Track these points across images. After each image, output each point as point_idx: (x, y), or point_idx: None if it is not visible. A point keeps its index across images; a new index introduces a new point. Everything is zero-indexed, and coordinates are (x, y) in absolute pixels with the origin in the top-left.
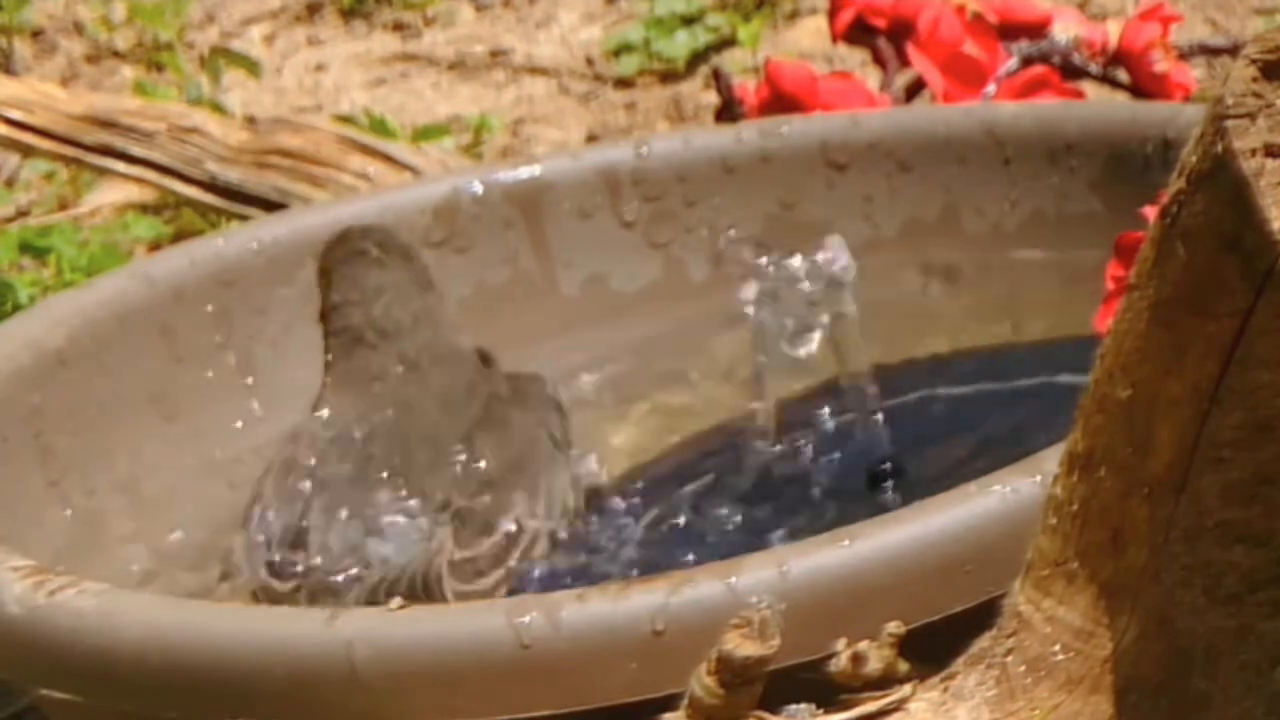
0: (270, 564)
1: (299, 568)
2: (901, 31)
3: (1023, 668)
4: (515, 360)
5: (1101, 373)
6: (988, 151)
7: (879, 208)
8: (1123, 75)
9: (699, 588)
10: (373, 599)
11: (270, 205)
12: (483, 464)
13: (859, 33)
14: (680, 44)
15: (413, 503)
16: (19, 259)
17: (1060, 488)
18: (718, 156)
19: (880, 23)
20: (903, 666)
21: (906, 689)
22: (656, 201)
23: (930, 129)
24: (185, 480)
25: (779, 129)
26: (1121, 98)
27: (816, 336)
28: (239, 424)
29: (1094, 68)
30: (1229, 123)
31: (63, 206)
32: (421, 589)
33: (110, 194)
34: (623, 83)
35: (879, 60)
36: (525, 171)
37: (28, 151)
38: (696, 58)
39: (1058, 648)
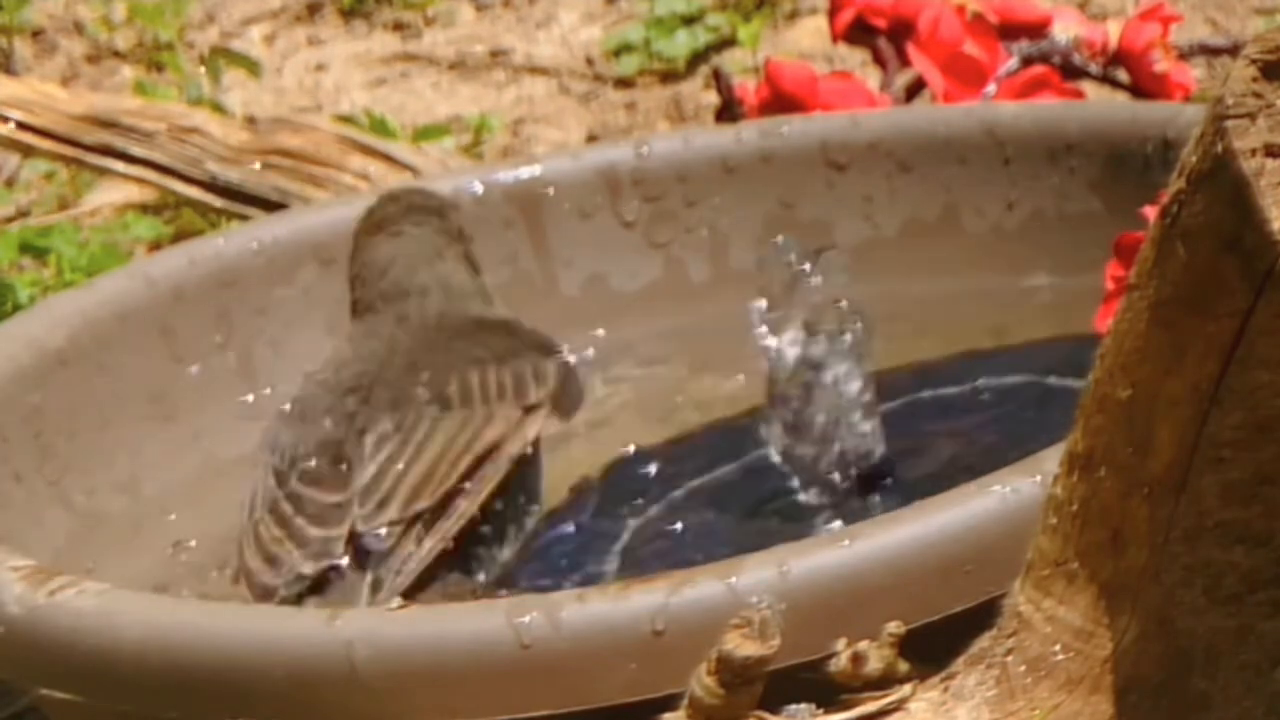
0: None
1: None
2: (901, 31)
3: (1023, 668)
4: None
5: (1101, 373)
6: (988, 151)
7: (879, 208)
8: (1123, 75)
9: (699, 588)
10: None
11: (270, 205)
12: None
13: (859, 33)
14: (680, 44)
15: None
16: (19, 259)
17: (1060, 488)
18: (718, 156)
19: (880, 23)
20: (903, 666)
21: (906, 689)
22: (656, 201)
23: (930, 129)
24: (185, 480)
25: (779, 129)
26: (1121, 98)
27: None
28: (239, 424)
29: (1094, 68)
30: (1229, 123)
31: (63, 206)
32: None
33: (110, 194)
34: (623, 83)
35: (879, 60)
36: (525, 171)
37: (28, 151)
38: (696, 58)
39: (1058, 648)
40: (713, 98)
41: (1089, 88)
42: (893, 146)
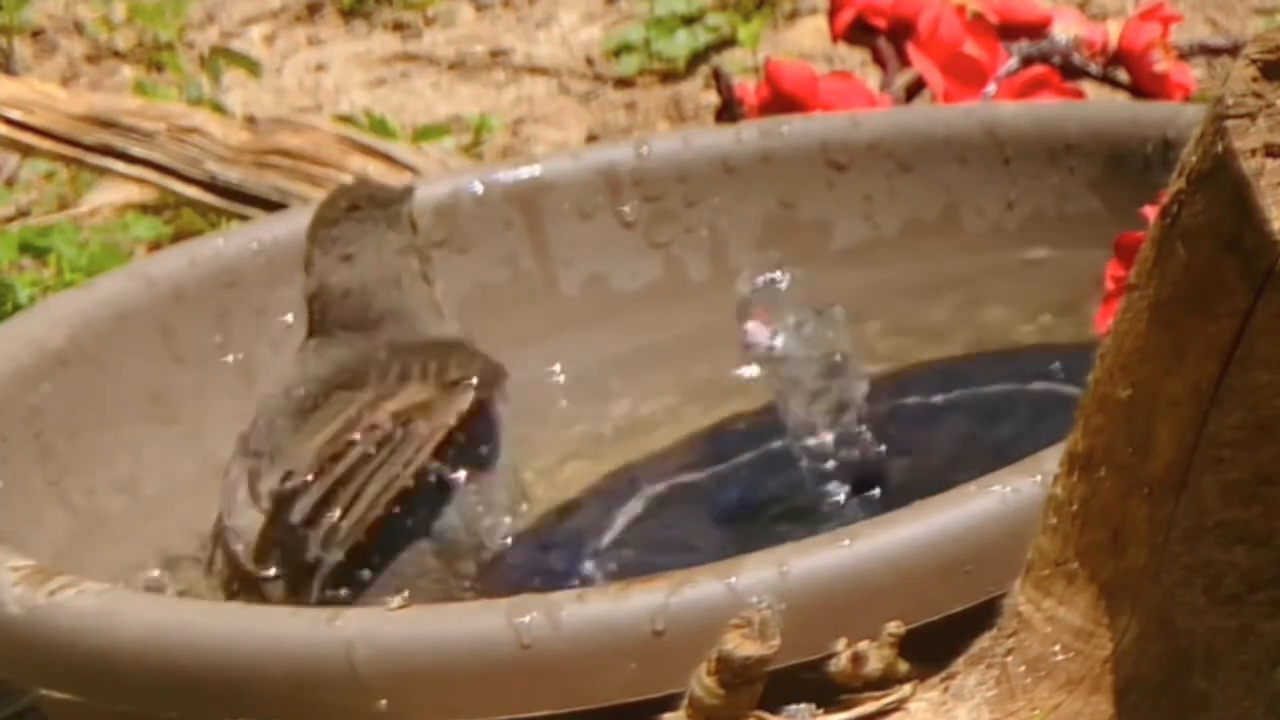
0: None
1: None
2: (901, 31)
3: (1023, 668)
4: (514, 360)
5: (1101, 373)
6: (988, 151)
7: (879, 208)
8: (1123, 75)
9: (699, 588)
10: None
11: (270, 205)
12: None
13: (859, 33)
14: (680, 44)
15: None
16: (19, 259)
17: (1060, 488)
18: (718, 156)
19: (880, 23)
20: (903, 666)
21: (906, 689)
22: (656, 201)
23: (930, 129)
24: (185, 480)
25: (779, 129)
26: (1121, 98)
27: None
28: (239, 424)
29: (1094, 68)
30: (1229, 123)
31: (63, 206)
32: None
33: (110, 194)
34: (623, 83)
35: (879, 60)
36: (525, 171)
37: (28, 151)
38: (696, 58)
39: (1058, 648)
40: (713, 98)
41: (1089, 88)
42: (893, 146)
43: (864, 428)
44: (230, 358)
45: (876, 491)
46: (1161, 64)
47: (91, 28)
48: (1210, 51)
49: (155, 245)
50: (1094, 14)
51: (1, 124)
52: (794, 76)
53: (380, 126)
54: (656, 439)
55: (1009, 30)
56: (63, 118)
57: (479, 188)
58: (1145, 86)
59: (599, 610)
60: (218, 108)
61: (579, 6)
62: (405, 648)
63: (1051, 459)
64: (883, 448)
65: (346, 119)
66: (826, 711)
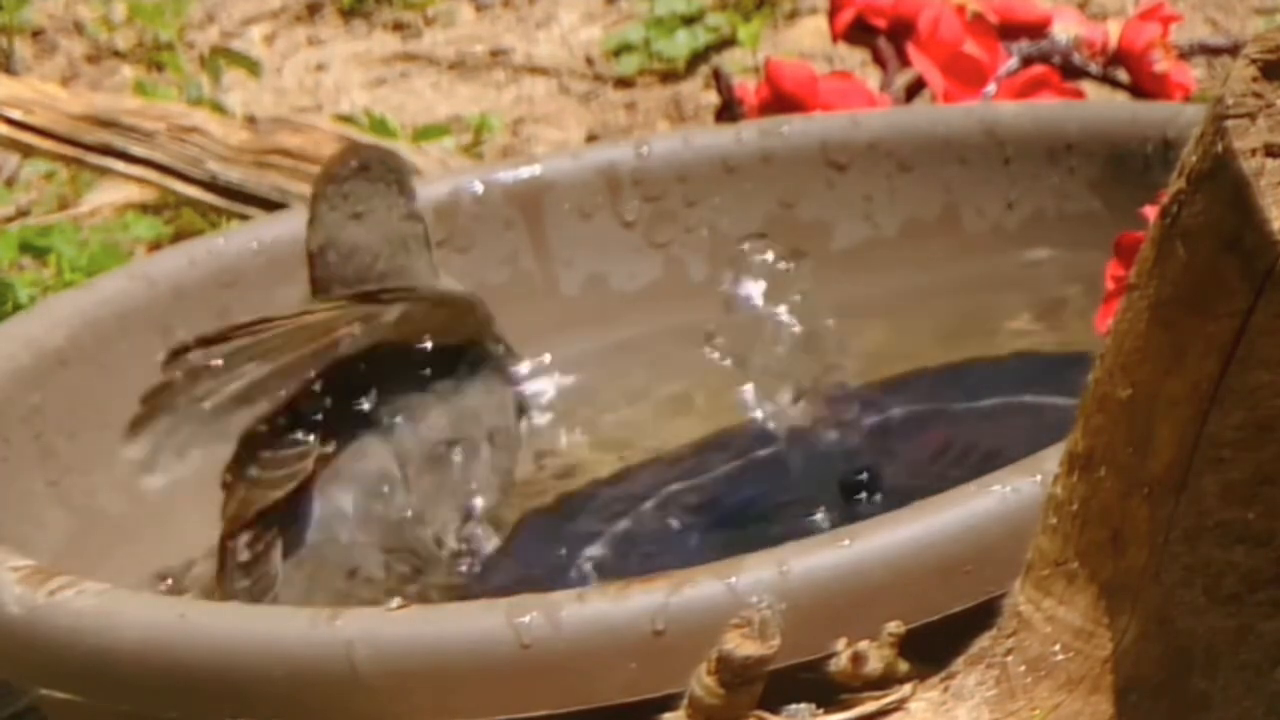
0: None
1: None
2: (901, 31)
3: (1023, 668)
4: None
5: (1101, 373)
6: (988, 151)
7: (879, 207)
8: (1123, 75)
9: (699, 588)
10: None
11: (270, 205)
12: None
13: (859, 33)
14: (680, 44)
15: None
16: (19, 259)
17: (1060, 488)
18: (718, 156)
19: (880, 23)
20: (903, 666)
21: (906, 689)
22: (656, 201)
23: (930, 129)
24: (185, 480)
25: (779, 129)
26: (1121, 98)
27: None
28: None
29: (1094, 68)
30: (1229, 123)
31: (63, 206)
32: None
33: (110, 194)
34: (623, 83)
35: (879, 60)
36: (525, 171)
37: (28, 151)
38: (696, 58)
39: (1058, 648)
40: (713, 98)
41: (1089, 88)
42: (893, 146)
43: (842, 435)
44: None
45: (860, 499)
46: (1161, 64)
47: (91, 28)
48: (1210, 51)
49: (155, 245)
50: (1094, 14)
51: (1, 124)
52: (794, 76)
53: (380, 126)
54: (656, 440)
55: (1009, 30)
56: (63, 118)
57: (479, 187)
58: (1145, 86)
59: (599, 610)
60: (218, 108)
61: (579, 6)
62: (405, 648)
63: (1051, 459)
64: (858, 457)
65: (346, 119)
66: (826, 711)
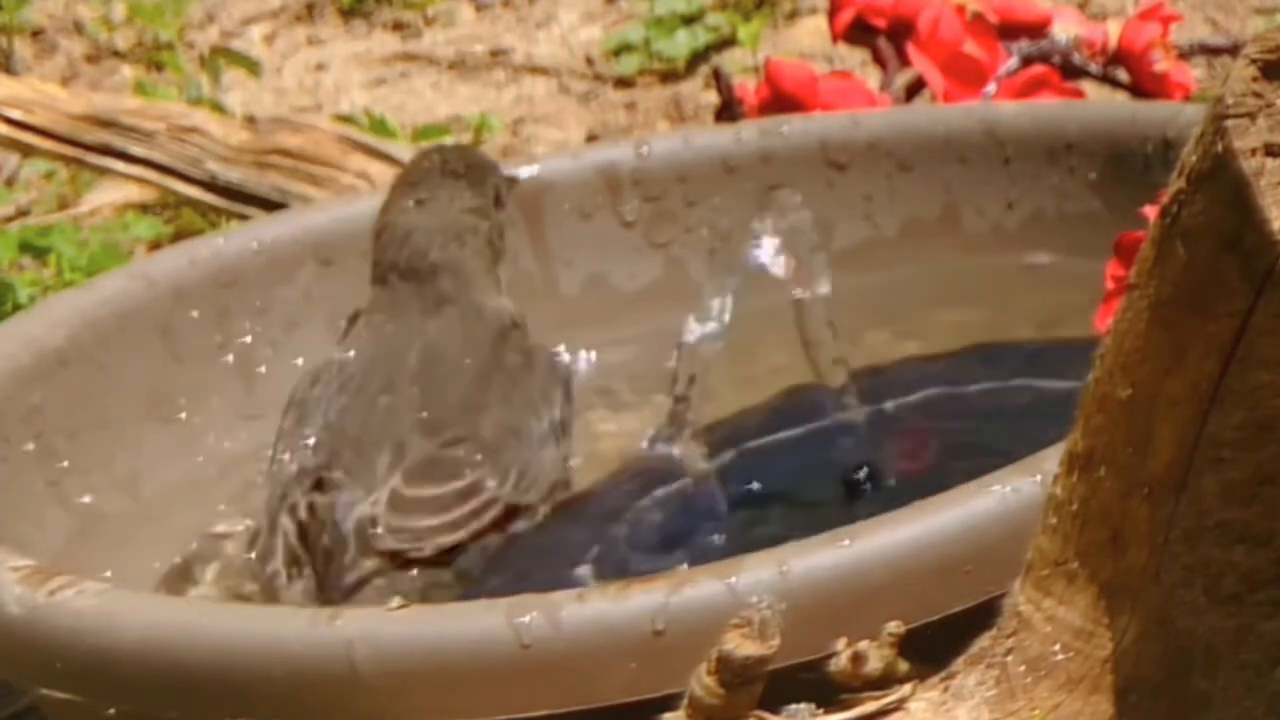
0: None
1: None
2: (901, 31)
3: (1023, 667)
4: None
5: (1101, 372)
6: (988, 151)
7: (879, 207)
8: (1123, 75)
9: (699, 588)
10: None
11: (270, 205)
12: (462, 421)
13: (859, 33)
14: (680, 44)
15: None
16: (19, 259)
17: (1060, 488)
18: (718, 156)
19: (880, 23)
20: (903, 666)
21: (906, 689)
22: (656, 201)
23: (930, 129)
24: (185, 480)
25: (779, 129)
26: (1121, 98)
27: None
28: (239, 424)
29: (1094, 68)
30: (1229, 123)
31: (63, 206)
32: (357, 526)
33: (110, 194)
34: (623, 83)
35: (879, 60)
36: (525, 171)
37: (28, 151)
38: (696, 58)
39: (1058, 647)
40: (713, 98)
41: (1089, 88)
42: (893, 146)
43: (843, 431)
44: (230, 357)
45: (852, 498)
46: (1161, 64)
47: (91, 28)
48: (1210, 51)
49: (155, 245)
50: (1094, 14)
51: (1, 124)
52: (794, 76)
53: (380, 126)
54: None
55: (1009, 30)
56: (63, 118)
57: None
58: (1145, 86)
59: (599, 610)
60: (218, 108)
61: (579, 6)
62: (405, 648)
63: (1051, 459)
64: (859, 453)
65: (346, 119)
66: (826, 711)
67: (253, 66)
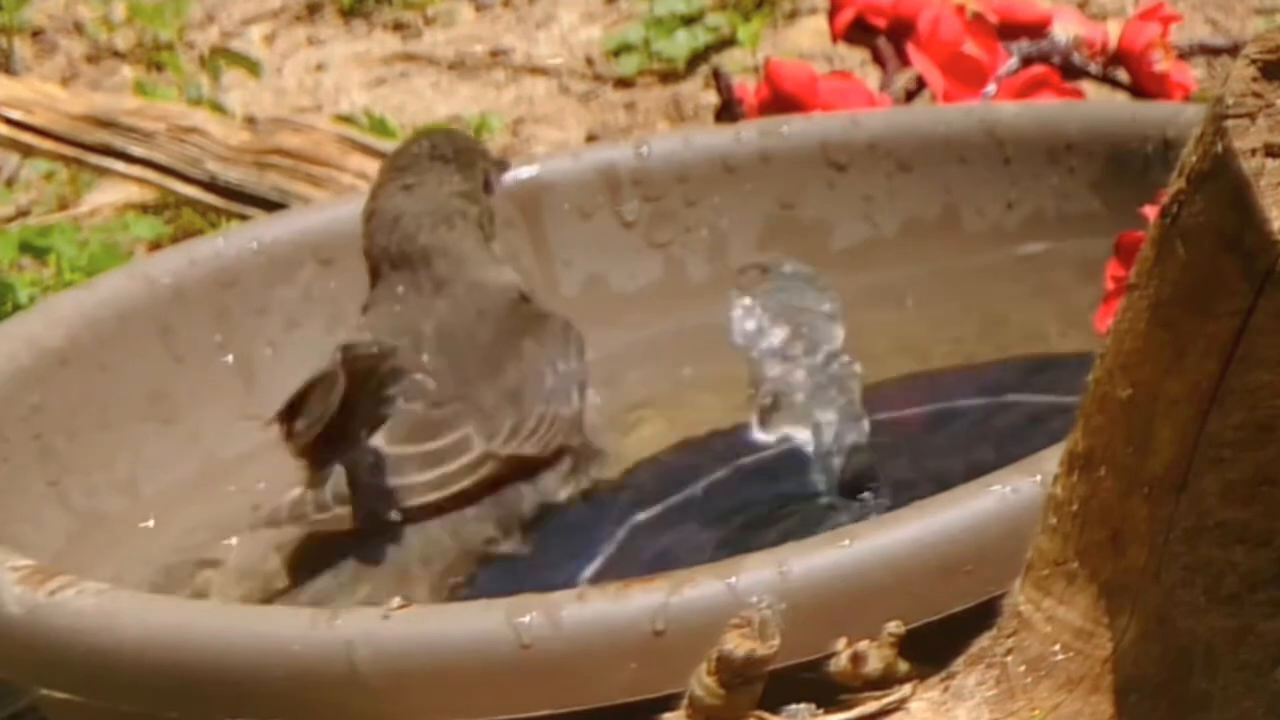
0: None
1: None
2: (901, 31)
3: (1023, 667)
4: None
5: (1101, 372)
6: (988, 151)
7: (879, 208)
8: (1123, 75)
9: (699, 588)
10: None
11: (270, 205)
12: (457, 380)
13: (859, 33)
14: (680, 44)
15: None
16: (19, 259)
17: (1060, 488)
18: (718, 156)
19: (880, 23)
20: (903, 666)
21: (906, 689)
22: (656, 201)
23: (930, 129)
24: (185, 480)
25: (779, 129)
26: (1121, 98)
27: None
28: (239, 424)
29: (1094, 68)
30: (1229, 123)
31: (63, 206)
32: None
33: (110, 194)
34: (623, 83)
35: (879, 60)
36: (525, 171)
37: (28, 151)
38: (696, 58)
39: (1058, 647)
40: (713, 98)
41: (1089, 88)
42: (893, 146)
43: (846, 433)
44: (230, 357)
45: (861, 497)
46: (1161, 64)
47: (91, 28)
48: (1210, 51)
49: (155, 245)
50: (1094, 14)
51: (1, 124)
52: (794, 76)
53: (380, 126)
54: (655, 440)
55: (1009, 30)
56: (63, 118)
57: None
58: (1145, 86)
59: (599, 610)
60: (218, 108)
61: (579, 6)
62: (405, 648)
63: (1051, 459)
64: (862, 456)
65: (346, 119)
66: (826, 711)
67: (253, 66)
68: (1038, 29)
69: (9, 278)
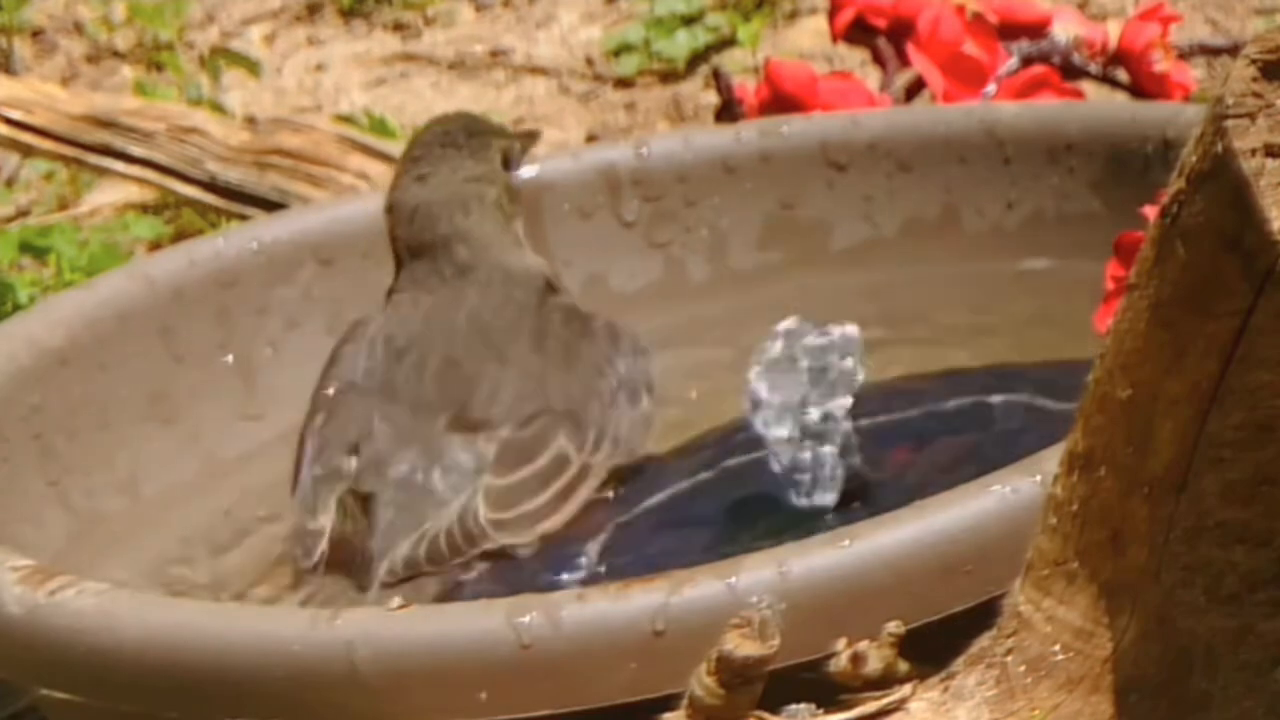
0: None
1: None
2: (901, 31)
3: (1023, 667)
4: None
5: (1101, 372)
6: (988, 151)
7: (879, 208)
8: (1123, 75)
9: (699, 588)
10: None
11: (270, 205)
12: (533, 392)
13: (859, 33)
14: (680, 44)
15: (460, 437)
16: (19, 259)
17: (1060, 488)
18: (718, 156)
19: (880, 23)
20: (903, 666)
21: (906, 689)
22: (656, 201)
23: (930, 129)
24: (185, 480)
25: (779, 129)
26: (1121, 98)
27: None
28: (239, 424)
29: (1094, 68)
30: (1229, 123)
31: (63, 206)
32: (460, 526)
33: (110, 194)
34: (623, 83)
35: (879, 60)
36: (525, 171)
37: (28, 151)
38: (696, 58)
39: (1058, 647)
40: (713, 98)
41: (1089, 88)
42: (893, 146)
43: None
44: (230, 357)
45: (853, 503)
46: (1161, 64)
47: (91, 28)
48: (1210, 51)
49: (155, 245)
50: (1094, 14)
51: (1, 124)
52: (794, 76)
53: (380, 126)
54: (653, 440)
55: (1009, 30)
56: (63, 118)
57: None
58: (1145, 86)
59: (599, 610)
60: (218, 108)
61: (579, 6)
62: (405, 648)
63: (1051, 459)
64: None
65: (346, 119)
66: (826, 711)
67: (253, 67)
68: (1038, 29)
69: (9, 278)
